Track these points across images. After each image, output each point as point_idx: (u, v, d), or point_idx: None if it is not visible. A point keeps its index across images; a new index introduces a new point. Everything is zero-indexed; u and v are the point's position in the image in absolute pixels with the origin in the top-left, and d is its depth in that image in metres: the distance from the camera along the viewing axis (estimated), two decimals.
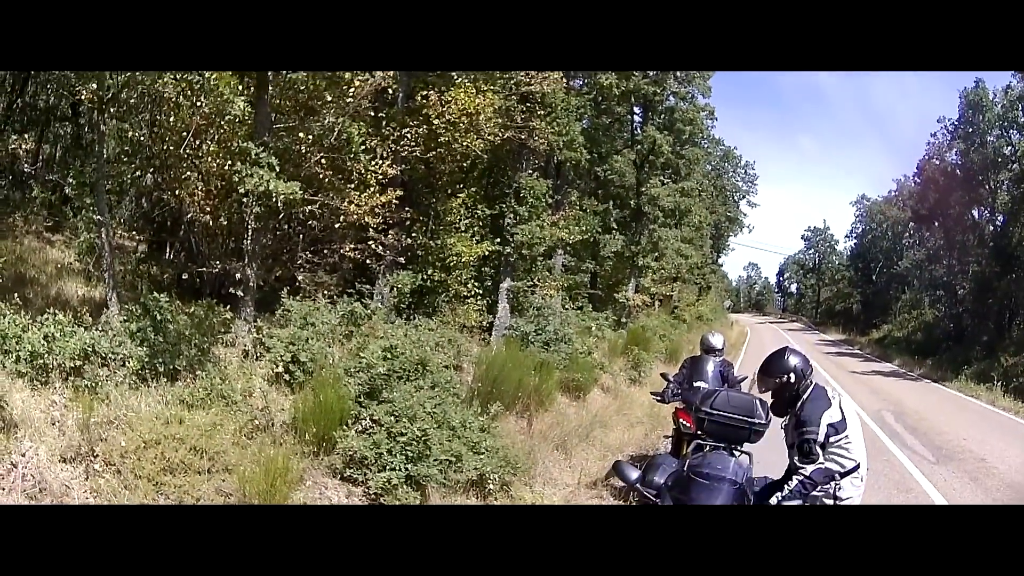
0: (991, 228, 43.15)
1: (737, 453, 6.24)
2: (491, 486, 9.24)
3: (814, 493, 5.61)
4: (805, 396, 5.82)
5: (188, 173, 11.59)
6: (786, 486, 5.49)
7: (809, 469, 5.47)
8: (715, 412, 6.63)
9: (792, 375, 5.82)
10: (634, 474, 5.63)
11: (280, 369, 9.65)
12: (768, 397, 6.26)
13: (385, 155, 13.00)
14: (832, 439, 5.64)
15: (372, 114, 13.10)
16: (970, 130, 42.91)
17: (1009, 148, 40.15)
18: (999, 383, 27.84)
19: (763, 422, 6.27)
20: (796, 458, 5.59)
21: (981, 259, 42.42)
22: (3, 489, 5.93)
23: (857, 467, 5.79)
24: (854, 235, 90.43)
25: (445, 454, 8.62)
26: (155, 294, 8.75)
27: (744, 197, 76.56)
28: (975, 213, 45.30)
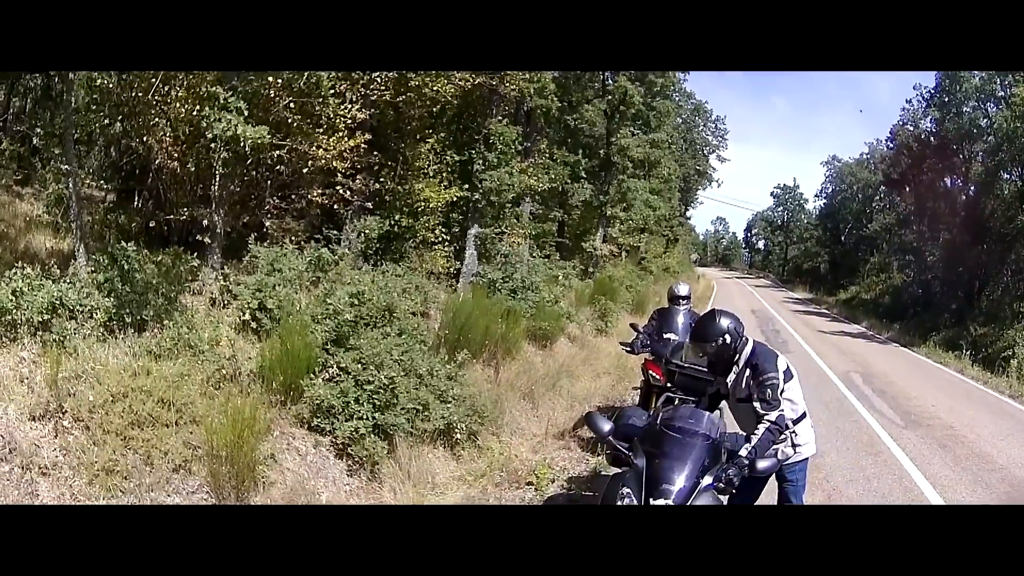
0: (963, 198, 43.20)
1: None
2: (458, 435, 9.31)
3: (776, 444, 5.71)
4: (747, 351, 5.97)
5: (156, 120, 11.43)
6: (753, 435, 5.55)
7: (774, 415, 5.58)
8: (686, 365, 6.65)
9: (728, 336, 5.91)
10: (606, 426, 5.60)
11: (247, 317, 9.57)
12: (705, 360, 6.34)
13: (354, 99, 12.87)
14: (786, 385, 5.87)
15: None
16: (946, 99, 42.69)
17: (985, 120, 40.13)
18: (968, 352, 27.98)
19: None
20: (759, 406, 5.66)
21: (952, 227, 42.48)
22: None
23: (805, 414, 6.12)
24: (824, 195, 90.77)
25: (412, 403, 8.65)
26: (122, 243, 8.63)
27: (714, 151, 76.76)
28: (947, 181, 45.30)
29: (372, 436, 8.11)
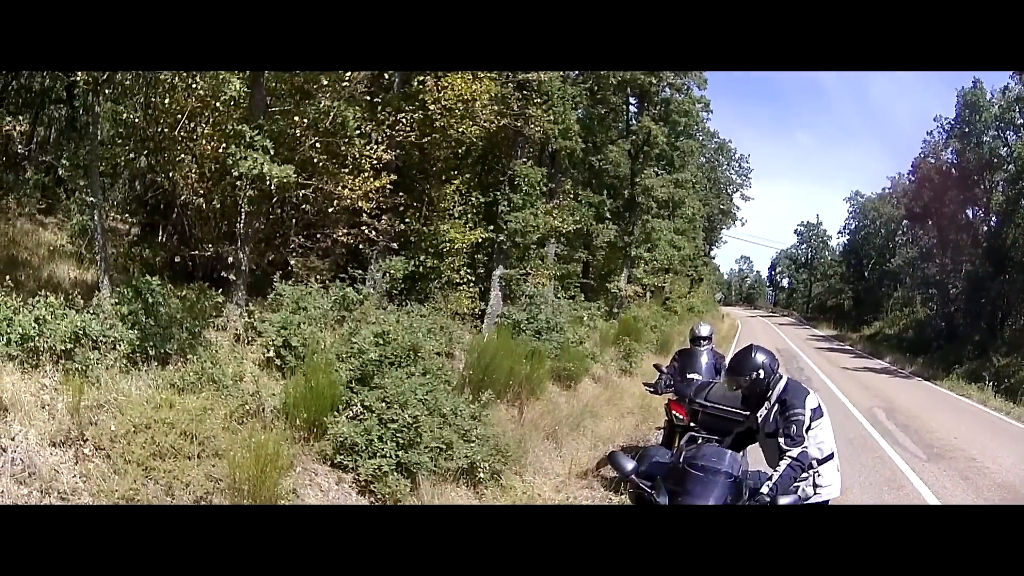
0: (985, 228, 43.08)
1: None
2: (481, 475, 9.23)
3: (797, 481, 5.68)
4: (779, 387, 5.96)
5: (182, 155, 11.58)
6: (775, 471, 5.53)
7: (796, 451, 5.56)
8: (709, 404, 6.62)
9: (761, 371, 5.94)
10: (629, 465, 5.56)
11: (271, 354, 9.61)
12: (729, 399, 6.32)
13: (380, 140, 12.98)
14: (814, 423, 5.86)
15: (368, 98, 13.07)
16: (966, 130, 42.84)
17: (1005, 149, 40.10)
18: (990, 383, 27.80)
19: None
20: (783, 441, 5.63)
21: (974, 259, 42.30)
22: None
23: (833, 455, 6.05)
24: (847, 231, 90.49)
25: (436, 441, 8.60)
26: (147, 277, 8.68)
27: (738, 190, 76.83)
28: (969, 213, 45.20)
29: (395, 474, 8.05)
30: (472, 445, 9.20)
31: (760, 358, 5.96)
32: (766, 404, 5.99)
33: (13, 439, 6.29)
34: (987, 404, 25.06)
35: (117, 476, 6.48)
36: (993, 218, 42.32)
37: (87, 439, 6.64)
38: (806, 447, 5.65)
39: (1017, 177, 37.54)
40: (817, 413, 5.91)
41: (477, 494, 9.24)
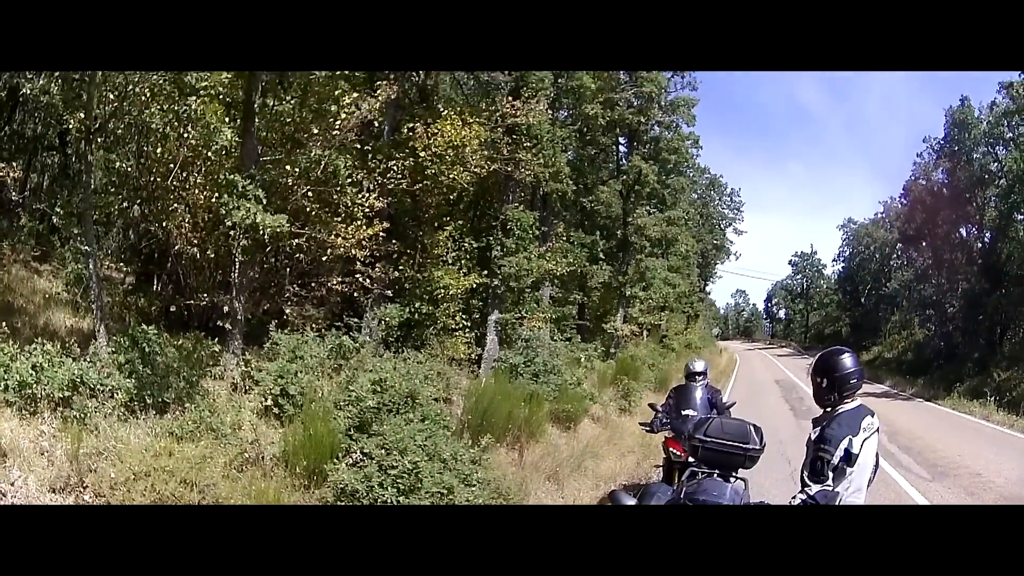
0: (979, 245, 43.18)
1: (732, 479, 6.20)
2: None
3: None
4: (845, 408, 5.45)
5: (175, 205, 11.63)
6: (790, 501, 5.31)
7: (814, 489, 5.12)
8: (708, 439, 6.61)
9: (849, 380, 5.41)
10: (630, 502, 5.55)
11: (269, 402, 9.63)
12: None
13: (371, 188, 13.05)
14: (845, 467, 5.25)
15: (358, 147, 13.13)
16: (956, 148, 43.02)
17: (996, 164, 40.17)
18: (992, 398, 27.86)
19: (757, 447, 6.21)
20: (806, 474, 5.29)
21: (970, 276, 42.38)
22: None
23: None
24: (842, 259, 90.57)
25: (436, 486, 8.56)
26: (143, 326, 8.75)
27: (730, 224, 76.99)
28: (963, 231, 45.16)
29: None
30: (473, 489, 9.15)
31: (854, 368, 5.47)
32: (828, 413, 5.51)
33: (12, 484, 6.31)
34: (990, 419, 25.14)
35: None
36: (987, 234, 42.42)
37: (87, 486, 6.66)
38: (828, 487, 5.17)
39: (1009, 190, 37.58)
40: (851, 458, 5.26)
41: None
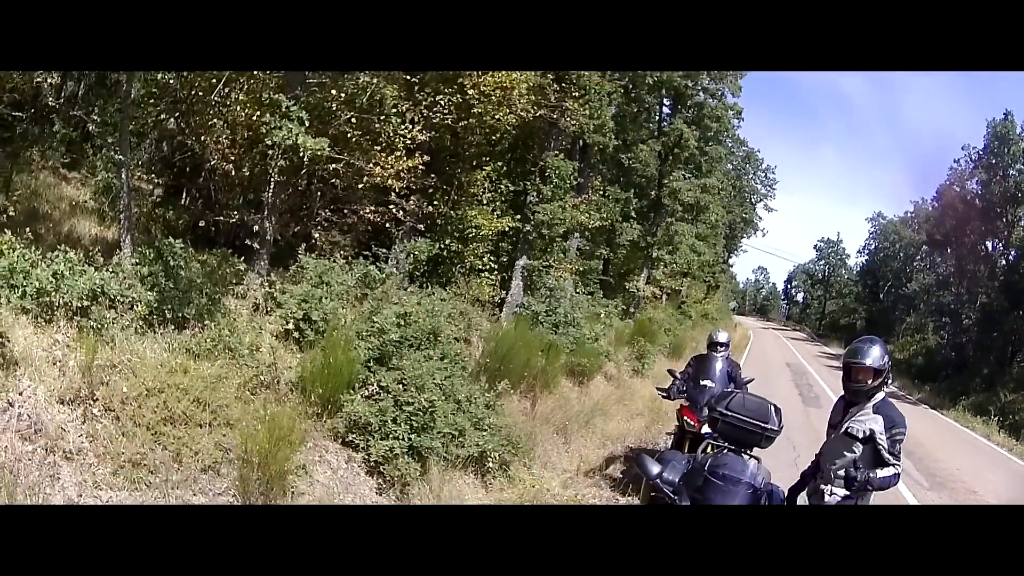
0: (1003, 262, 42.92)
1: (746, 456, 6.15)
2: (490, 464, 9.20)
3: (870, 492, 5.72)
4: (882, 396, 5.82)
5: (214, 120, 11.50)
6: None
7: (890, 472, 5.54)
8: (729, 413, 6.53)
9: (885, 371, 5.79)
10: (655, 468, 5.53)
11: (290, 326, 9.56)
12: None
13: (416, 120, 12.86)
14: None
15: (407, 78, 12.93)
16: (994, 161, 42.66)
17: None
18: (996, 418, 27.81)
19: (776, 428, 6.14)
20: (852, 469, 5.62)
21: (990, 291, 42.18)
22: None
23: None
24: (866, 251, 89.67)
25: (449, 427, 8.59)
26: (169, 239, 8.64)
27: (761, 200, 76.33)
28: (989, 245, 45.05)
29: (406, 457, 8.03)
30: (484, 434, 9.19)
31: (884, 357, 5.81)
32: (863, 400, 5.87)
33: (21, 394, 6.26)
34: (991, 438, 25.09)
35: (125, 438, 6.45)
36: (1012, 252, 42.10)
37: (97, 399, 6.61)
38: (898, 471, 5.62)
39: None
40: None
41: (484, 483, 9.22)
